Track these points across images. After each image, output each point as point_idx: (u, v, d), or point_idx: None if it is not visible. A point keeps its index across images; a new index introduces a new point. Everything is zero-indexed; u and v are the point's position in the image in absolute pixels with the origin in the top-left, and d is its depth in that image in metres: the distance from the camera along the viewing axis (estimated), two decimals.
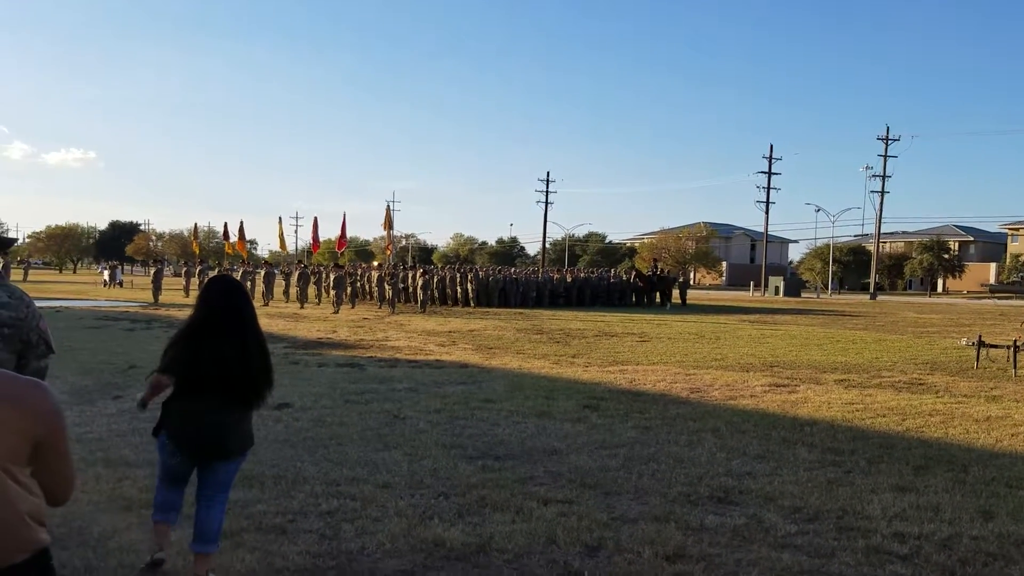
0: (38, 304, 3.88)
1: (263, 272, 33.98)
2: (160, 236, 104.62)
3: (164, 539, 4.48)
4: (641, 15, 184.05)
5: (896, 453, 7.57)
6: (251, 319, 4.41)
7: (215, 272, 41.83)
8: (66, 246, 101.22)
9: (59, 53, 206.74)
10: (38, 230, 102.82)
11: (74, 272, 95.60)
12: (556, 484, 6.29)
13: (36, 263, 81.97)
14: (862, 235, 78.20)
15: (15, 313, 3.70)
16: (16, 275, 60.11)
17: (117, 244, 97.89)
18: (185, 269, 41.94)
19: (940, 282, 75.19)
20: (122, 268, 73.27)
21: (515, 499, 5.81)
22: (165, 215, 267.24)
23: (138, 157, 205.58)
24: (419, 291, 29.73)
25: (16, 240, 4.71)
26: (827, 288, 68.57)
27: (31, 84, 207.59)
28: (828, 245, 73.02)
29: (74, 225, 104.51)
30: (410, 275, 32.03)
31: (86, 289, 45.51)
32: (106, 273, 56.11)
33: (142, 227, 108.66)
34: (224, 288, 4.47)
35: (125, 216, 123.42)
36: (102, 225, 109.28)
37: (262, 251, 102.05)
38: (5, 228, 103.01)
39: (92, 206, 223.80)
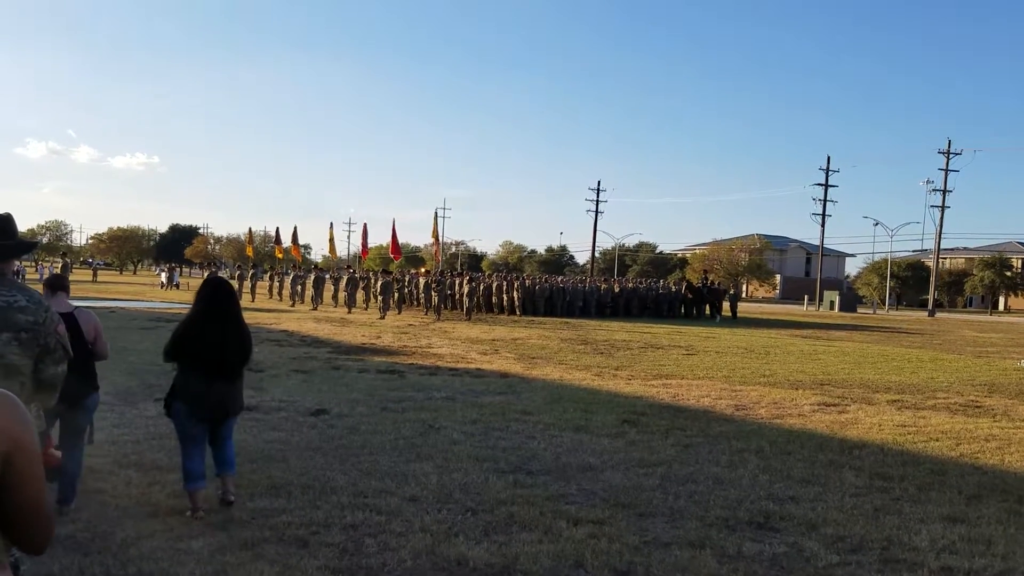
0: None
1: (312, 276, 34.35)
2: (218, 240, 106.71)
3: (200, 502, 5.41)
4: (696, 25, 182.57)
5: (948, 480, 7.22)
6: (235, 313, 5.62)
7: (267, 275, 42.62)
8: (127, 248, 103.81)
9: (127, 60, 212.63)
10: (100, 232, 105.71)
11: (134, 273, 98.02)
12: (588, 503, 6.11)
13: (98, 264, 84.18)
14: (921, 250, 76.23)
15: (33, 317, 3.67)
16: (84, 275, 61.93)
17: (177, 247, 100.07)
18: (239, 272, 42.64)
19: (1002, 300, 72.91)
20: (180, 271, 74.83)
21: (544, 518, 5.65)
22: (224, 219, 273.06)
23: (200, 162, 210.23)
24: (465, 298, 29.71)
25: (36, 244, 4.84)
26: (884, 304, 66.94)
27: (99, 89, 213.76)
28: (886, 260, 71.32)
29: (135, 227, 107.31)
30: (457, 282, 32.03)
31: (144, 290, 46.61)
32: (164, 275, 57.38)
33: (201, 231, 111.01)
34: (213, 289, 5.65)
35: (185, 219, 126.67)
36: (163, 228, 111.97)
37: (315, 256, 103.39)
38: (69, 229, 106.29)
39: (154, 209, 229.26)
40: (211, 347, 5.37)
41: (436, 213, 37.08)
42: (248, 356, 5.65)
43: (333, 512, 5.57)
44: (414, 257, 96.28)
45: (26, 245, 3.87)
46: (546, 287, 33.71)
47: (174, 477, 6.26)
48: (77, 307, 5.82)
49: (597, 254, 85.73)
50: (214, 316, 5.47)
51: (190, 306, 5.74)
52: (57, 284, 5.95)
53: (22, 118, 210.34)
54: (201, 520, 5.30)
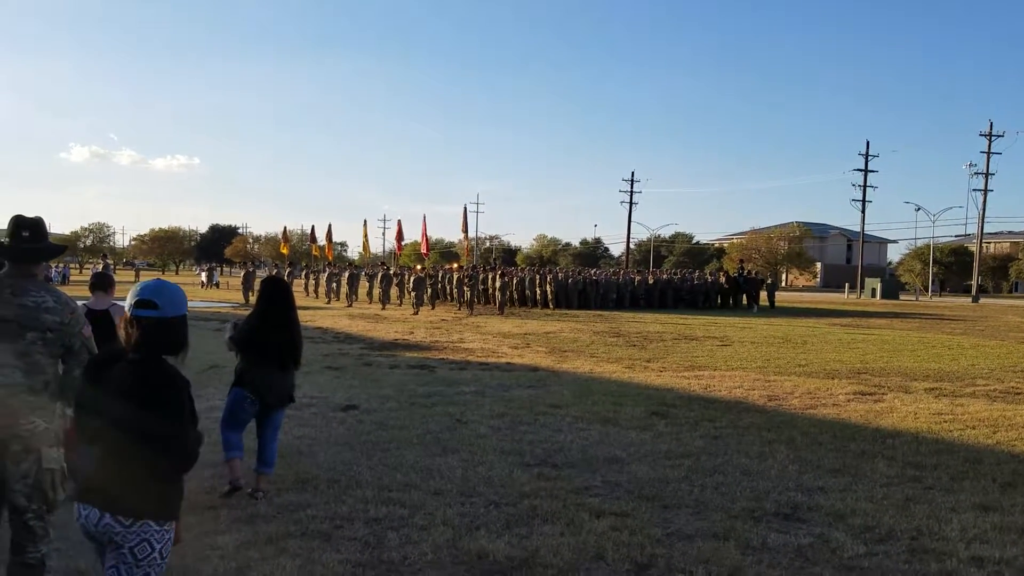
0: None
1: (347, 273, 34.66)
2: (257, 239, 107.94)
3: (238, 471, 5.84)
4: (731, 14, 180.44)
5: (983, 468, 7.08)
6: (294, 310, 6.10)
7: (304, 273, 43.06)
8: (168, 248, 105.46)
9: (167, 63, 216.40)
10: (142, 233, 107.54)
11: (176, 273, 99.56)
12: (612, 495, 6.09)
13: (141, 264, 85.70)
14: (964, 235, 74.68)
15: (59, 318, 3.77)
16: (127, 276, 63.06)
17: (217, 247, 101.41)
18: (276, 271, 43.16)
19: None
20: (221, 270, 75.87)
21: (567, 510, 5.64)
22: (263, 218, 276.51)
23: (239, 163, 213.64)
24: (497, 292, 29.73)
25: (65, 248, 5.02)
26: (927, 290, 65.71)
27: (141, 93, 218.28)
28: (928, 246, 69.97)
29: (176, 228, 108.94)
30: (489, 276, 32.06)
31: (184, 290, 47.23)
32: (203, 275, 58.29)
33: (240, 230, 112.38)
34: (278, 288, 6.15)
35: (225, 219, 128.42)
36: (203, 228, 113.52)
37: (352, 253, 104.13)
38: (112, 231, 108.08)
39: (194, 210, 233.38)
40: (274, 341, 5.87)
41: (465, 208, 37.19)
42: (301, 348, 6.14)
43: (357, 506, 5.63)
44: (449, 252, 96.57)
45: (55, 249, 3.98)
46: (579, 280, 33.60)
47: (206, 473, 6.37)
48: (114, 303, 5.98)
49: (632, 246, 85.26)
50: (276, 313, 5.95)
51: (238, 305, 5.96)
52: (96, 283, 6.20)
53: (65, 124, 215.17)
54: (237, 489, 5.77)
